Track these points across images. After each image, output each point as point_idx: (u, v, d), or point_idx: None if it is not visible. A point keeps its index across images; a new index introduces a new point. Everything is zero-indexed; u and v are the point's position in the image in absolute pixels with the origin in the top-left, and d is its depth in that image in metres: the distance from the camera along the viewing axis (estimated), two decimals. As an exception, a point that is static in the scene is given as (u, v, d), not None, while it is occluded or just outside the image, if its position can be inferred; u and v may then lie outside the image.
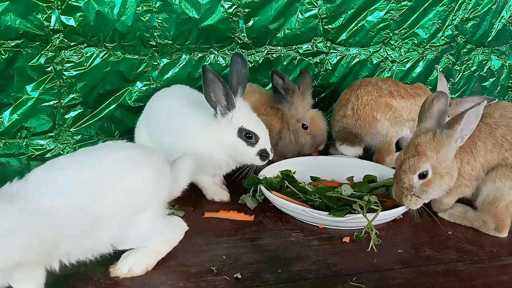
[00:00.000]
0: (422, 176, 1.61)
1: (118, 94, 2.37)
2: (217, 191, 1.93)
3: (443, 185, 1.62)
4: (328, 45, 2.63)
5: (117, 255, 1.40)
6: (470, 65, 2.93)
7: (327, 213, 1.65)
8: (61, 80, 2.26)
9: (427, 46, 2.77)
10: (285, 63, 2.59)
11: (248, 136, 1.76)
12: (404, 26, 2.69)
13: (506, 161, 1.63)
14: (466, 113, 1.55)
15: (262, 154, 1.79)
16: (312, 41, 2.59)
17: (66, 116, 2.34)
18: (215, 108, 1.75)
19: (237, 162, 1.86)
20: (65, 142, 2.38)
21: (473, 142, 1.65)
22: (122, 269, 1.37)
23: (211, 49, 2.42)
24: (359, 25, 2.61)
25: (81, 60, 2.25)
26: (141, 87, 2.40)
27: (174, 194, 1.56)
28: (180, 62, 2.40)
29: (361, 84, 2.36)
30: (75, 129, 2.37)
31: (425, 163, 1.59)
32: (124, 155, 1.37)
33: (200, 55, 2.41)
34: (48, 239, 1.19)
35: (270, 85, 2.53)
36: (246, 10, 2.39)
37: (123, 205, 1.30)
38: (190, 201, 1.86)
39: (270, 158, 1.83)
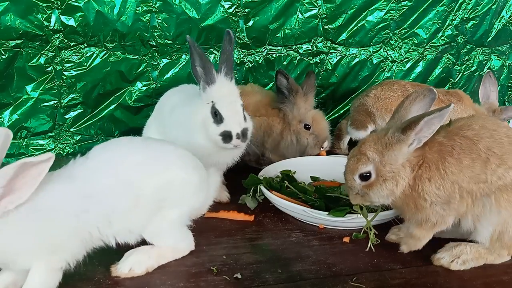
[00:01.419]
0: (365, 177, 1.47)
1: (118, 94, 2.37)
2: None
3: (384, 189, 1.44)
4: (328, 45, 2.63)
5: (118, 255, 1.40)
6: (470, 65, 2.93)
7: (327, 213, 1.66)
8: (61, 80, 2.26)
9: (427, 46, 2.76)
10: (285, 63, 2.59)
11: (215, 114, 1.72)
12: (404, 26, 2.69)
13: (504, 180, 1.37)
14: (423, 119, 1.34)
15: (225, 135, 1.71)
16: (312, 41, 2.59)
17: (66, 116, 2.34)
18: (199, 83, 1.75)
19: (209, 140, 1.79)
20: (65, 142, 2.37)
21: (441, 157, 1.41)
22: (123, 268, 1.38)
23: (211, 49, 2.42)
24: (359, 25, 2.61)
25: (81, 60, 2.25)
26: (141, 87, 2.40)
27: (202, 211, 1.60)
28: (180, 62, 2.40)
29: (389, 82, 2.47)
30: (75, 129, 2.37)
31: (365, 165, 1.45)
32: (180, 152, 1.47)
33: (200, 55, 2.41)
34: (101, 219, 1.29)
35: (270, 85, 2.54)
36: (246, 10, 2.39)
37: (160, 194, 1.37)
38: (190, 201, 1.86)
39: (234, 143, 1.70)
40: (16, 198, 1.15)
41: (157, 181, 1.36)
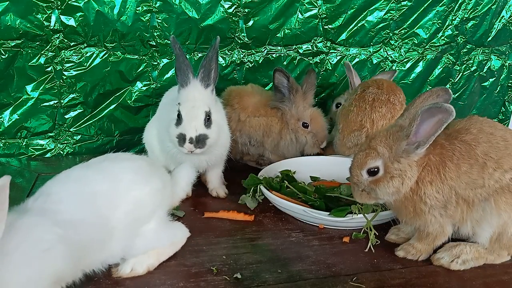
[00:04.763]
0: (372, 173, 1.45)
1: (118, 94, 2.38)
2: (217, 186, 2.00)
3: (391, 187, 1.43)
4: (328, 45, 2.63)
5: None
6: (470, 65, 2.93)
7: (328, 213, 1.66)
8: (61, 80, 2.26)
9: (427, 46, 2.76)
10: (285, 63, 2.59)
11: (178, 116, 1.73)
12: (404, 26, 2.69)
13: (501, 183, 1.38)
14: (419, 111, 1.35)
15: (180, 137, 1.71)
16: (312, 41, 2.59)
17: (66, 116, 2.34)
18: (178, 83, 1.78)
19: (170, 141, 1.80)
20: (65, 142, 2.38)
21: (442, 162, 1.41)
22: (124, 269, 1.37)
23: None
24: (359, 25, 2.61)
25: (81, 60, 2.25)
26: (141, 87, 2.40)
27: (173, 204, 1.58)
28: (180, 62, 2.40)
29: (374, 103, 2.10)
30: (75, 129, 2.37)
31: (374, 159, 1.43)
32: (135, 165, 1.40)
33: (200, 55, 2.41)
34: (80, 250, 1.19)
35: (271, 85, 2.54)
36: (246, 10, 2.39)
37: (133, 215, 1.33)
38: (190, 201, 1.87)
39: (187, 147, 1.70)
40: None
41: (126, 207, 1.31)
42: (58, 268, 1.13)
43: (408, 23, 2.68)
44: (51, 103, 2.29)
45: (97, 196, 1.27)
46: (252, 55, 2.52)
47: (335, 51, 2.66)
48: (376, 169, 1.45)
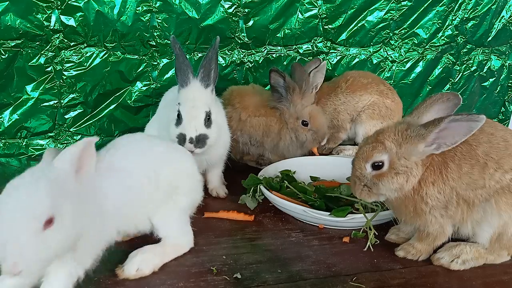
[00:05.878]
0: (377, 167, 1.44)
1: (118, 94, 2.38)
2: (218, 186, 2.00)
3: (395, 183, 1.42)
4: (328, 45, 2.63)
5: (118, 257, 1.40)
6: (470, 65, 2.93)
7: (328, 213, 1.66)
8: (61, 80, 2.26)
9: (427, 46, 2.77)
10: (285, 63, 2.59)
11: (178, 116, 1.74)
12: (404, 26, 2.69)
13: (501, 183, 1.39)
14: (445, 120, 1.34)
15: (180, 138, 1.72)
16: (312, 41, 2.59)
17: (66, 116, 2.34)
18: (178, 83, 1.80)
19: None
20: (65, 142, 2.38)
21: (444, 162, 1.42)
22: (130, 269, 1.36)
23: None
24: (359, 25, 2.61)
25: (81, 60, 2.25)
26: (141, 87, 2.40)
27: (193, 210, 1.63)
28: (180, 62, 2.40)
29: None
30: (75, 129, 2.37)
31: (380, 153, 1.42)
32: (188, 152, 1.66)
33: (200, 55, 2.41)
34: (134, 200, 1.37)
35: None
36: (246, 10, 2.39)
37: (175, 181, 1.48)
38: (190, 201, 1.87)
39: (187, 147, 1.70)
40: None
41: (174, 169, 1.49)
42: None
43: (408, 23, 2.68)
44: (51, 103, 2.28)
45: (155, 154, 1.46)
46: (252, 55, 2.52)
47: (335, 51, 2.66)
48: (381, 163, 1.44)
